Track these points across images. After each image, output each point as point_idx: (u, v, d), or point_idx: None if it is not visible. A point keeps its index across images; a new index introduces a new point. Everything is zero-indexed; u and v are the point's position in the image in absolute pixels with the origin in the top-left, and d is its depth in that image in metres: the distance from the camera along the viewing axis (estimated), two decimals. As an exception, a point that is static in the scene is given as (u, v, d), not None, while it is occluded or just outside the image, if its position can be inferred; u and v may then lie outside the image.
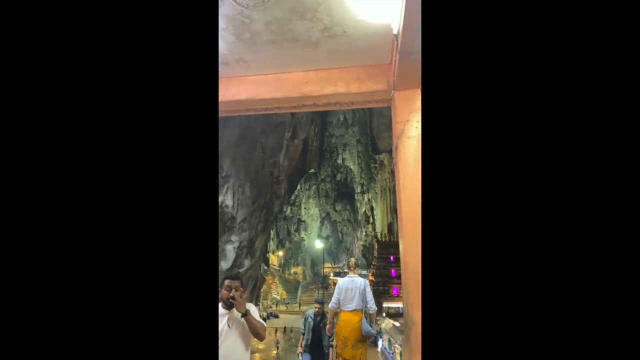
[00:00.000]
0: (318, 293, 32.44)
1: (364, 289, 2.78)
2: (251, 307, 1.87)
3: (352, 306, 2.80)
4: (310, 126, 37.48)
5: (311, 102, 2.40)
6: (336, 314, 3.06)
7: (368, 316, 2.91)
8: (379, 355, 19.97)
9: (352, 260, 3.12)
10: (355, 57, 2.31)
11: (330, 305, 3.07)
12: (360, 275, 3.17)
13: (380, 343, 21.22)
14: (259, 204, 16.48)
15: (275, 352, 21.11)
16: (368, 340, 2.99)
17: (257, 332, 1.76)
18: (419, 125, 1.89)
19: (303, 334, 3.84)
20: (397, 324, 20.73)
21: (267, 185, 17.30)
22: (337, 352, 3.07)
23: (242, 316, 1.75)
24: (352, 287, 2.85)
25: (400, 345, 16.79)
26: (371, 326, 2.95)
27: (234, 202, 15.17)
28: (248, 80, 2.51)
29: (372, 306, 2.82)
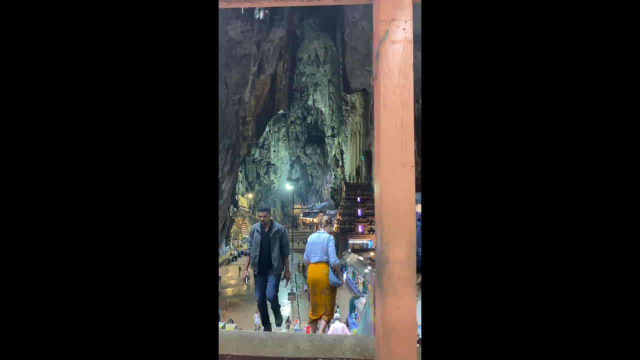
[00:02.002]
0: (288, 231, 33.96)
1: (327, 244, 3.10)
2: None
3: (316, 258, 3.14)
4: (279, 62, 34.71)
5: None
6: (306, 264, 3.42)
7: (333, 270, 3.16)
8: (344, 285, 22.04)
9: (324, 218, 3.42)
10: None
11: (303, 257, 3.49)
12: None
13: (345, 275, 23.24)
14: (224, 144, 15.64)
15: (245, 286, 22.52)
16: (336, 288, 3.28)
17: None
18: (408, 26, 1.45)
19: (248, 254, 3.26)
20: (360, 258, 22.52)
21: (232, 125, 16.25)
22: (310, 300, 3.37)
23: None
24: (317, 241, 3.19)
25: (363, 277, 18.48)
26: (337, 278, 3.18)
27: (196, 142, 14.22)
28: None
29: (331, 259, 3.10)
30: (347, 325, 14.69)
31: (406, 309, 1.39)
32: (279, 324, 3.42)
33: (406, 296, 1.40)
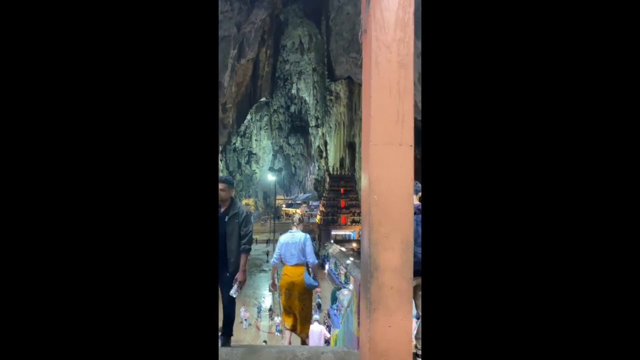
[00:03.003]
0: (270, 223, 33.29)
1: (304, 243, 2.77)
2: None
3: (294, 260, 2.77)
4: (262, 47, 33.44)
5: None
6: (280, 268, 3.01)
7: (309, 270, 2.83)
8: (326, 276, 22.00)
9: (297, 216, 3.10)
10: None
11: (272, 260, 3.01)
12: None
13: (327, 266, 23.24)
14: (202, 131, 14.89)
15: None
16: (313, 292, 2.99)
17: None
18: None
19: None
20: (343, 249, 22.52)
21: (211, 111, 15.49)
22: (282, 304, 2.90)
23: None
24: (292, 242, 2.82)
25: (345, 268, 18.49)
26: (314, 279, 2.85)
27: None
28: None
29: (311, 259, 2.79)
30: (329, 316, 14.65)
31: (400, 329, 1.08)
32: (223, 343, 2.40)
33: (400, 312, 1.08)
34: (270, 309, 16.37)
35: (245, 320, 13.68)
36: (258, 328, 14.09)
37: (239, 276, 2.29)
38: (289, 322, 2.89)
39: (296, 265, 2.78)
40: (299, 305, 2.83)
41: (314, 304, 3.02)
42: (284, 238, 2.87)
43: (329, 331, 12.03)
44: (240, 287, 2.28)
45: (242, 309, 14.47)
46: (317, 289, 16.96)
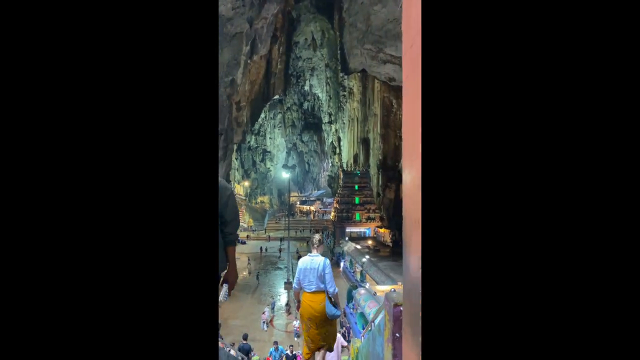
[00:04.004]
0: (285, 220, 33.26)
1: (322, 270, 2.50)
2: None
3: (312, 287, 2.52)
4: (274, 44, 33.32)
5: None
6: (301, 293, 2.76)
7: (331, 298, 2.58)
8: (341, 274, 21.79)
9: (316, 237, 2.71)
10: None
11: (293, 286, 2.80)
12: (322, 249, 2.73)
13: (342, 263, 23.03)
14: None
15: (245, 272, 22.25)
16: (334, 321, 2.68)
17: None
18: None
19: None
20: (358, 246, 22.23)
21: (224, 109, 15.41)
22: (304, 333, 2.70)
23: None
24: (310, 267, 2.55)
25: (360, 266, 18.22)
26: (336, 307, 2.59)
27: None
28: None
29: (330, 289, 2.52)
30: (345, 315, 14.47)
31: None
32: None
33: None
34: (287, 304, 16.33)
35: (264, 322, 13.63)
36: (272, 325, 14.02)
37: (229, 276, 1.74)
38: (309, 352, 2.67)
39: (315, 292, 2.54)
40: (322, 332, 2.61)
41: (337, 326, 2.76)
42: (302, 263, 2.61)
43: (347, 334, 11.84)
44: (231, 288, 1.75)
45: (266, 309, 14.42)
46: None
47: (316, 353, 2.71)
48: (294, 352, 7.82)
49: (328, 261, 2.58)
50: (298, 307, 2.70)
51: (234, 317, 14.80)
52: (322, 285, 2.50)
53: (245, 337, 7.17)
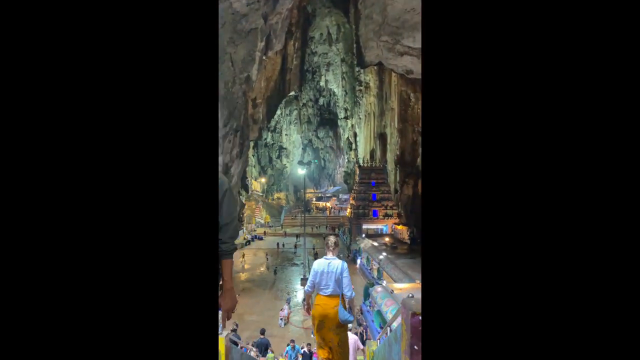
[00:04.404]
0: (301, 217, 33.38)
1: (340, 274, 2.42)
2: None
3: (328, 291, 2.44)
4: (289, 39, 33.21)
5: None
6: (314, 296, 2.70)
7: (345, 302, 2.48)
8: (358, 271, 21.61)
9: (332, 239, 2.60)
10: None
11: (305, 288, 2.70)
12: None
13: (359, 260, 22.82)
14: (232, 126, 14.92)
15: (262, 268, 22.50)
16: (347, 326, 2.59)
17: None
18: None
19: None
20: (375, 243, 21.94)
21: (240, 106, 15.46)
22: (315, 335, 2.62)
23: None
24: (328, 270, 2.46)
25: (377, 263, 17.98)
26: (350, 312, 2.49)
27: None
28: None
29: (348, 293, 2.45)
30: (361, 312, 14.30)
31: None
32: None
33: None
34: (304, 300, 16.35)
35: (281, 319, 13.68)
36: (289, 321, 14.04)
37: (222, 299, 1.30)
38: (323, 355, 2.58)
39: (330, 296, 2.45)
40: (334, 339, 2.50)
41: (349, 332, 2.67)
42: (318, 265, 2.51)
43: (365, 333, 11.67)
44: (228, 317, 1.33)
45: (285, 307, 14.47)
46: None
47: None
48: (310, 350, 7.75)
49: (346, 265, 2.49)
50: (308, 310, 2.62)
51: (251, 313, 14.93)
52: (338, 289, 2.42)
53: (262, 332, 7.15)
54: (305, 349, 7.64)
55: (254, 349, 6.11)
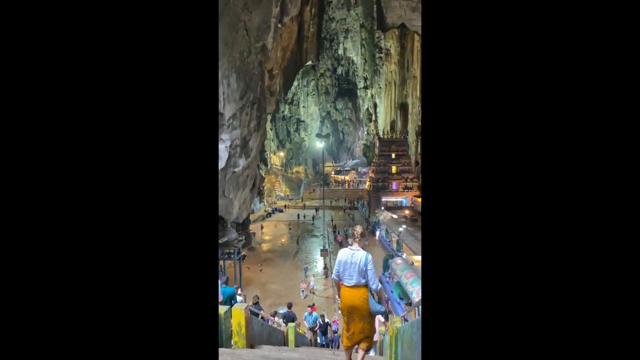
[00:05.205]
0: (320, 190, 33.49)
1: (364, 266, 2.35)
2: None
3: (352, 282, 2.40)
4: (305, 5, 31.50)
5: None
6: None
7: (374, 294, 2.44)
8: (377, 243, 21.74)
9: (358, 229, 2.50)
10: None
11: (332, 276, 2.70)
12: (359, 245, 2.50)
13: (377, 232, 22.88)
14: (249, 98, 14.66)
15: (283, 239, 23.15)
16: (374, 315, 2.52)
17: None
18: None
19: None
20: (394, 215, 21.79)
21: (255, 76, 15.07)
22: (344, 325, 2.57)
23: None
24: (351, 261, 2.38)
25: (397, 235, 17.93)
26: (380, 304, 2.43)
27: (219, 97, 13.34)
28: None
29: (373, 286, 2.39)
30: (380, 282, 14.51)
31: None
32: None
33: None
34: (325, 267, 16.75)
35: (303, 291, 14.12)
36: (309, 289, 14.46)
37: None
38: (348, 343, 2.53)
39: (354, 287, 2.38)
40: (365, 327, 2.46)
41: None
42: (342, 255, 2.44)
43: (385, 304, 11.79)
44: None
45: (312, 279, 14.86)
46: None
47: (354, 355, 2.57)
48: (326, 320, 7.91)
49: (370, 256, 2.40)
50: (339, 296, 2.57)
51: (273, 282, 15.51)
52: (362, 280, 2.34)
53: (289, 306, 7.44)
54: (320, 320, 7.81)
55: (282, 320, 6.31)
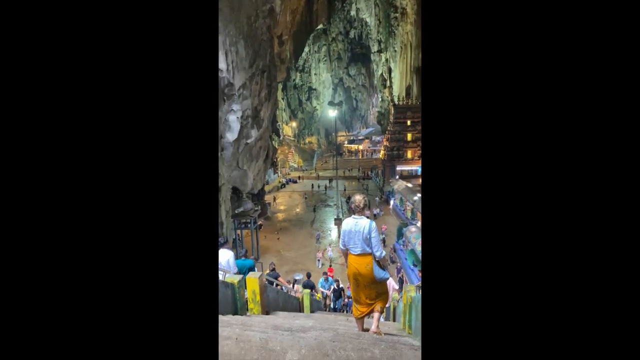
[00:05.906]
0: (333, 161, 33.26)
1: (368, 234, 2.36)
2: None
3: (357, 250, 2.42)
4: (315, -39, 29.22)
5: None
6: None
7: (377, 262, 2.45)
8: (391, 211, 21.75)
9: (358, 198, 2.46)
10: None
11: (340, 246, 2.70)
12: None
13: (392, 201, 22.82)
14: (258, 66, 14.18)
15: (298, 209, 23.56)
16: (384, 282, 2.55)
17: None
18: None
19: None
20: (409, 184, 21.53)
21: (264, 42, 14.44)
22: (352, 293, 2.61)
23: None
24: (355, 230, 2.40)
25: (411, 204, 17.82)
26: (384, 270, 2.48)
27: (228, 65, 12.94)
28: None
29: (377, 253, 2.40)
30: (394, 250, 14.60)
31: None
32: None
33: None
34: (339, 236, 17.11)
35: (319, 260, 14.48)
36: (323, 256, 14.81)
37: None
38: (359, 312, 2.57)
39: (360, 255, 2.40)
40: (371, 293, 2.48)
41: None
42: (347, 224, 2.44)
43: (398, 272, 11.95)
44: None
45: (329, 249, 15.19)
46: (384, 227, 16.87)
47: (366, 318, 2.57)
48: (340, 286, 8.10)
49: (374, 224, 2.40)
50: (347, 264, 2.59)
51: (288, 250, 15.99)
52: (367, 249, 2.36)
53: (309, 275, 7.70)
54: (335, 285, 8.02)
55: (301, 288, 6.53)
